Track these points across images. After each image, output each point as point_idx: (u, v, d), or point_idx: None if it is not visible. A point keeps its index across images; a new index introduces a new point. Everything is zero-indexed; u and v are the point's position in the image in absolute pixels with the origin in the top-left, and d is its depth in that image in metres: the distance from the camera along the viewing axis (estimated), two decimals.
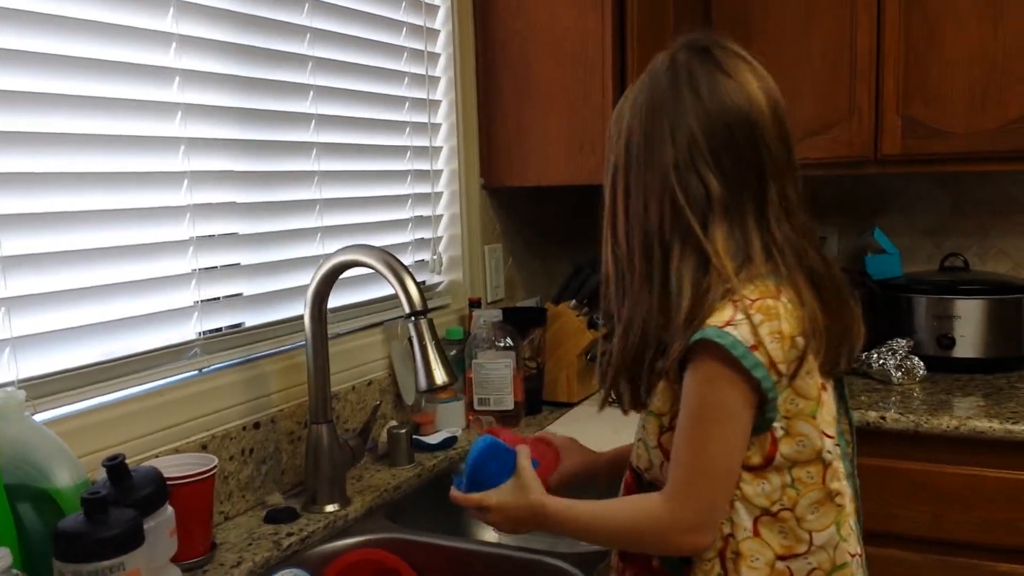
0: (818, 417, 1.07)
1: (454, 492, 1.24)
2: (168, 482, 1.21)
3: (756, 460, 1.06)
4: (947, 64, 2.18)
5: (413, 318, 1.40)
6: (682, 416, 1.05)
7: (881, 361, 2.25)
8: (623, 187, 1.12)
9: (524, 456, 1.23)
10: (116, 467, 1.02)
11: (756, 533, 1.06)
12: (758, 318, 1.01)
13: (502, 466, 1.22)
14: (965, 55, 2.16)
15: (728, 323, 1.01)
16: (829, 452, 1.08)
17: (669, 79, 1.10)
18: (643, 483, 1.15)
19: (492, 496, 1.20)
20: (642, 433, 1.15)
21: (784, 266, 1.07)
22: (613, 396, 1.16)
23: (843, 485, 1.10)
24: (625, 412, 1.18)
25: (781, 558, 1.07)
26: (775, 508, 1.06)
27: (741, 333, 1.00)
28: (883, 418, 1.98)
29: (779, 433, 1.05)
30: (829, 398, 1.11)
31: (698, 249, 1.06)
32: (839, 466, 1.09)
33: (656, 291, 1.08)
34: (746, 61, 1.11)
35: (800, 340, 1.04)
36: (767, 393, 1.02)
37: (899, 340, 2.26)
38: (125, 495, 1.01)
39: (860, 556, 1.14)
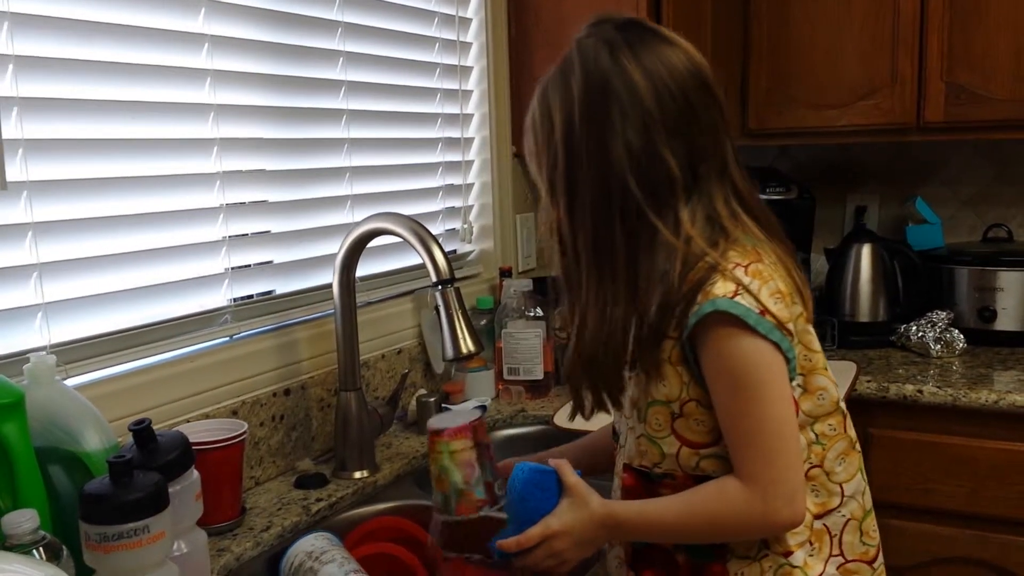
0: (828, 368, 1.06)
1: (505, 543, 1.07)
2: (198, 447, 1.22)
3: None
4: (992, 30, 2.11)
5: (440, 287, 1.39)
6: (723, 392, 1.00)
7: (920, 334, 2.20)
8: (564, 188, 1.05)
9: (568, 470, 1.10)
10: (142, 431, 1.03)
11: None
12: (756, 284, 0.99)
13: (546, 491, 1.10)
14: (1011, 20, 2.10)
15: (734, 294, 0.98)
16: (843, 400, 1.07)
17: (608, 57, 1.01)
18: (653, 480, 1.09)
19: (553, 522, 1.07)
20: (643, 428, 1.08)
21: (756, 225, 1.06)
22: (575, 403, 1.14)
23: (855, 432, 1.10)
24: (587, 418, 1.15)
25: (818, 517, 1.06)
26: (805, 468, 1.04)
27: (748, 302, 0.98)
28: (920, 392, 1.94)
29: (797, 392, 1.04)
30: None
31: (668, 233, 1.02)
32: (847, 413, 1.09)
33: (621, 288, 1.04)
34: (670, 31, 1.06)
35: (795, 295, 1.04)
36: (786, 354, 1.00)
37: (939, 312, 2.22)
38: (151, 459, 1.02)
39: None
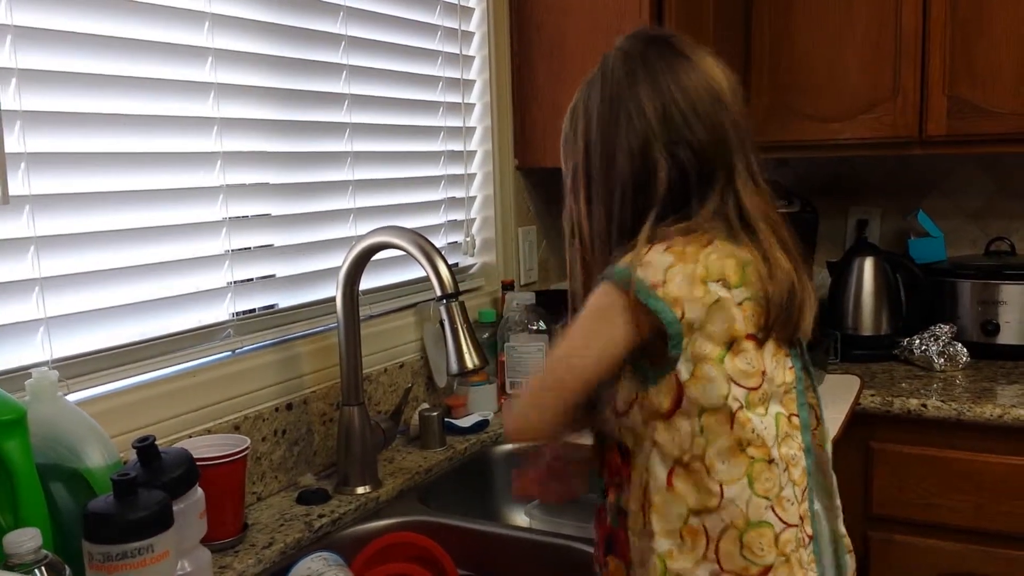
0: (727, 364, 1.03)
1: None
2: (200, 463, 1.21)
3: (666, 405, 1.03)
4: (995, 43, 2.12)
5: (444, 301, 1.38)
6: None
7: (923, 347, 2.20)
8: (584, 191, 1.12)
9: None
10: (146, 448, 1.02)
11: (670, 484, 1.04)
12: (667, 259, 1.02)
13: None
14: (1014, 33, 2.10)
15: (632, 262, 1.02)
16: (736, 400, 1.04)
17: (624, 70, 1.09)
18: (603, 441, 1.15)
19: None
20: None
21: (746, 232, 1.08)
22: None
23: (755, 436, 1.04)
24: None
25: (695, 513, 1.04)
26: (686, 458, 1.04)
27: (645, 272, 1.01)
28: (924, 406, 1.94)
29: (684, 376, 1.03)
30: (765, 358, 1.06)
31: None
32: (748, 417, 1.04)
33: None
34: (701, 46, 1.12)
35: (717, 286, 1.02)
36: (668, 327, 1.01)
37: (942, 326, 2.21)
38: (155, 477, 1.01)
39: (805, 535, 1.08)
